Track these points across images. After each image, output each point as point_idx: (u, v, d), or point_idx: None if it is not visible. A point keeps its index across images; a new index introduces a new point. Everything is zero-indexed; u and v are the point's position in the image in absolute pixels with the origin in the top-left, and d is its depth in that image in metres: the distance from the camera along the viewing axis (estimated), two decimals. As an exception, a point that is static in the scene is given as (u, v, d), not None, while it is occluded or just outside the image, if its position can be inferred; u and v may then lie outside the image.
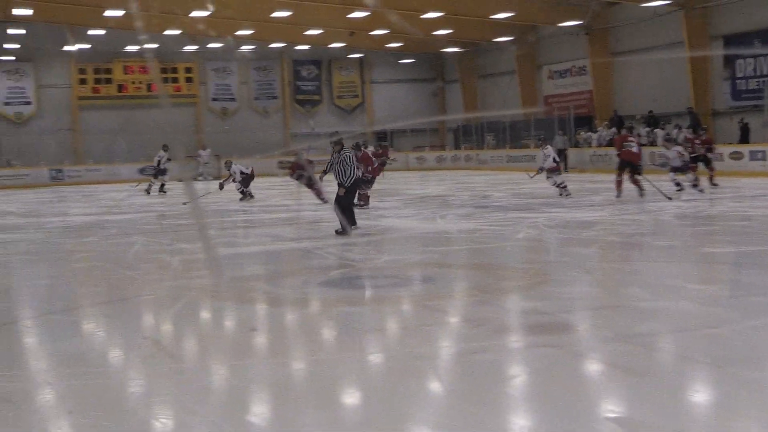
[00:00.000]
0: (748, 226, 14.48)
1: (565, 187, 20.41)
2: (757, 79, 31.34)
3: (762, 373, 5.81)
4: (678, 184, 20.03)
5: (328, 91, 50.30)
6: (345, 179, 13.84)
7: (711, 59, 33.15)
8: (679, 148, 20.72)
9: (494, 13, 36.79)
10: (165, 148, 28.17)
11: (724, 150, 29.58)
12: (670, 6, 33.01)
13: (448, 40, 43.88)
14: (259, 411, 5.39)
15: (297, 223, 15.66)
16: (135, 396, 5.79)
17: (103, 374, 6.38)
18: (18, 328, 8.26)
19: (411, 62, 50.09)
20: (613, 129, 33.06)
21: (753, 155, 28.46)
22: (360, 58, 49.96)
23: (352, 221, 14.16)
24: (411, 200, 22.45)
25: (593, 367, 6.13)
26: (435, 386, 5.75)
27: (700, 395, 5.49)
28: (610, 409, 5.13)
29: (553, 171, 20.78)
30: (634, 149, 19.52)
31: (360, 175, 13.95)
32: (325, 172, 14.01)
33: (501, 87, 45.11)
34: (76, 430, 5.03)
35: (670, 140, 22.80)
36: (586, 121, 38.74)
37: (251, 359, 6.71)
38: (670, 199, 18.26)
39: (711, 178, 22.17)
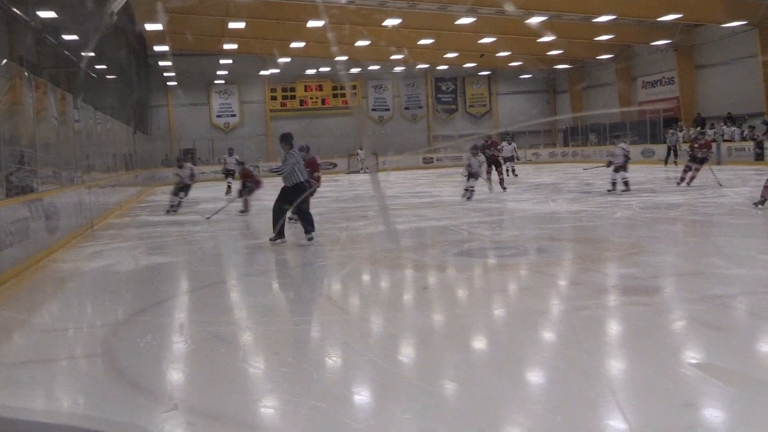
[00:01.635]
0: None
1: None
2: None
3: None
4: (614, 183, 18.30)
5: (462, 101, 50.25)
6: (291, 180, 11.24)
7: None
8: (624, 145, 18.71)
9: (597, 36, 35.92)
10: (230, 152, 25.22)
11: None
12: (746, 26, 31.49)
13: (559, 59, 43.22)
14: (407, 352, 5.44)
15: (437, 206, 15.66)
16: (313, 339, 5.93)
17: (289, 322, 6.56)
18: (225, 287, 8.58)
19: (529, 77, 49.51)
20: (699, 128, 31.72)
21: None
22: (488, 75, 49.66)
23: (309, 227, 11.36)
24: (528, 187, 22.15)
25: (678, 322, 5.93)
26: (547, 335, 5.68)
27: (766, 345, 5.26)
28: (692, 356, 4.96)
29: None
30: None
31: (304, 179, 11.29)
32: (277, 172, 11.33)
33: (603, 96, 44.12)
34: (270, 363, 5.18)
35: (617, 137, 20.76)
36: (672, 122, 37.46)
37: (402, 312, 6.77)
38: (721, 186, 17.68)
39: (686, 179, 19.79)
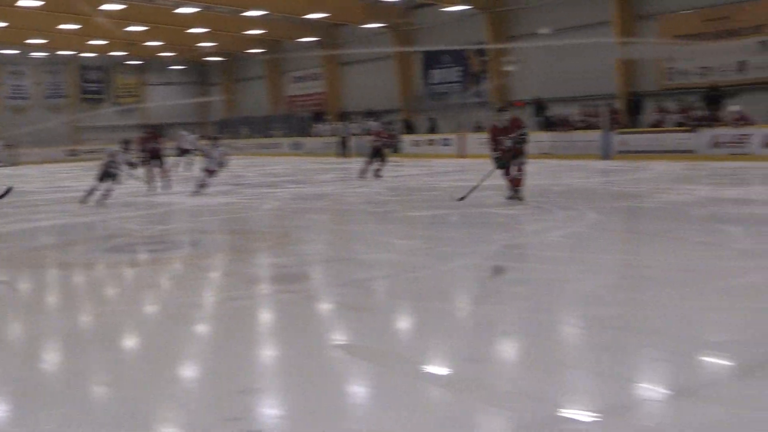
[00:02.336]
0: (438, 195, 15.14)
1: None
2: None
3: (448, 304, 6.12)
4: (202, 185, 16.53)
5: (110, 91, 48.10)
6: None
7: (415, 70, 34.51)
8: (222, 149, 17.20)
9: (248, 30, 36.48)
10: None
11: (420, 138, 31.12)
12: (383, 27, 33.95)
13: (211, 51, 43.15)
14: (49, 358, 5.06)
15: (85, 202, 14.79)
16: None
17: None
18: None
19: (181, 69, 48.82)
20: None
21: (442, 142, 30.11)
22: (139, 64, 48.07)
23: None
24: (180, 179, 21.80)
25: (324, 306, 6.22)
26: (200, 328, 5.62)
27: (405, 323, 5.70)
28: (338, 338, 5.22)
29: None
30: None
31: None
32: None
33: (254, 89, 44.96)
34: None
35: (210, 138, 19.07)
36: (320, 116, 39.36)
37: (43, 315, 6.28)
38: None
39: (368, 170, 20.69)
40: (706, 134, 22.18)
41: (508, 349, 4.97)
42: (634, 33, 26.39)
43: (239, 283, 7.14)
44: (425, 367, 4.49)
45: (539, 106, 28.19)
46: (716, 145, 21.94)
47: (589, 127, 25.82)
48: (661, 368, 4.34)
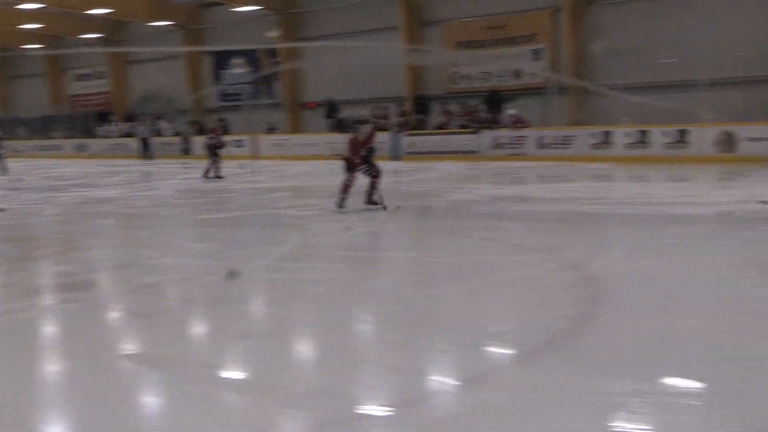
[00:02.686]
0: (231, 197, 14.95)
1: None
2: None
3: (244, 307, 6.06)
4: None
5: None
6: None
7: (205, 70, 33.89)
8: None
9: (23, 24, 34.12)
10: None
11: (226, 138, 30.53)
12: (173, 26, 33.05)
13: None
14: None
15: None
16: None
17: None
18: None
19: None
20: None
21: (235, 143, 29.70)
22: None
23: None
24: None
25: (113, 314, 5.95)
26: (-28, 345, 5.19)
27: (198, 328, 5.57)
28: (127, 347, 5.02)
29: None
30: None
31: None
32: None
33: (33, 87, 42.13)
34: None
35: None
36: (105, 116, 37.64)
37: None
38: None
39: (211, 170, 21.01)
40: (487, 136, 23.47)
41: (304, 350, 5.00)
42: (419, 38, 27.44)
43: (18, 295, 6.65)
44: (221, 372, 4.42)
45: (331, 107, 28.59)
46: (497, 146, 23.28)
47: (379, 128, 26.44)
48: (450, 360, 4.54)
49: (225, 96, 33.34)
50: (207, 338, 5.32)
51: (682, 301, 5.68)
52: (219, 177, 18.56)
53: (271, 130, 31.18)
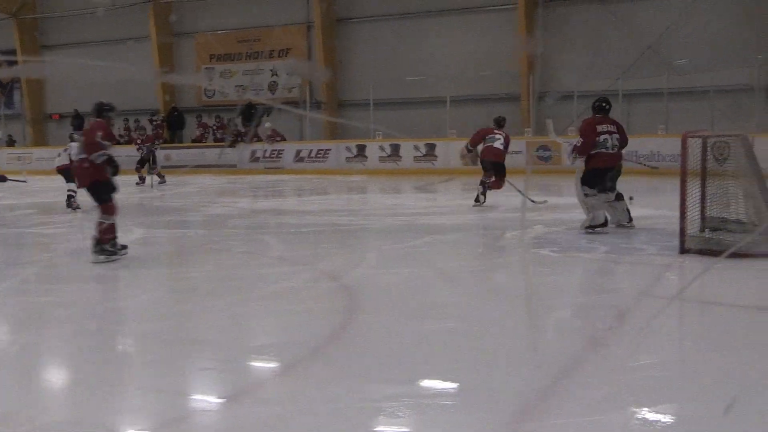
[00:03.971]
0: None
1: None
2: None
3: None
4: None
5: None
6: None
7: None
8: None
9: None
10: None
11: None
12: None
13: None
14: None
15: None
16: None
17: None
18: None
19: None
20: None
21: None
22: None
23: None
24: None
25: None
26: None
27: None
28: None
29: None
30: None
31: None
32: None
33: None
34: None
35: None
36: None
37: None
38: None
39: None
40: (245, 149, 23.39)
41: (54, 377, 4.68)
42: (171, 49, 26.80)
43: None
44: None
45: (78, 119, 27.06)
46: (255, 159, 23.26)
47: (130, 141, 25.44)
48: (212, 377, 4.46)
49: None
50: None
51: (434, 305, 6.00)
52: None
53: (11, 142, 28.96)
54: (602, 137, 8.91)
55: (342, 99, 25.06)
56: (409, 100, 23.57)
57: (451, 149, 20.96)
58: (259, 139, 23.56)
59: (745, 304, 5.84)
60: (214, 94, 26.74)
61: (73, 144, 11.87)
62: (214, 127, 25.85)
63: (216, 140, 24.85)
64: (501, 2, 22.62)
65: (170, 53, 26.89)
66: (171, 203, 15.28)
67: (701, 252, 7.28)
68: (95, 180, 7.91)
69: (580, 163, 9.14)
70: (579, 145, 9.06)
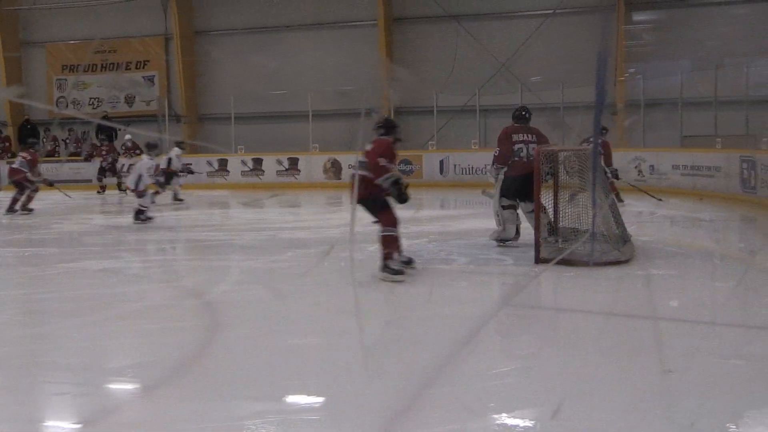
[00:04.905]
0: None
1: None
2: None
3: None
4: None
5: None
6: None
7: None
8: None
9: None
10: None
11: None
12: None
13: None
14: None
15: None
16: None
17: None
18: None
19: None
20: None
21: None
22: None
23: None
24: None
25: None
26: None
27: None
28: None
29: None
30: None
31: None
32: None
33: None
34: None
35: None
36: None
37: None
38: None
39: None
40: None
41: None
42: (20, 60, 25.58)
43: None
44: None
45: None
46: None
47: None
48: (67, 402, 4.27)
49: None
50: None
51: (296, 320, 5.99)
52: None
53: None
54: (517, 146, 8.99)
55: (203, 112, 24.63)
56: (271, 114, 23.44)
57: (314, 163, 21.00)
58: (119, 153, 22.70)
59: (597, 310, 6.14)
60: (66, 106, 25.64)
61: None
62: (66, 141, 24.81)
63: (71, 155, 23.82)
64: (361, 18, 22.90)
65: (18, 63, 25.61)
66: (18, 220, 14.45)
67: (552, 261, 7.59)
68: None
69: (502, 175, 9.14)
70: (497, 155, 9.29)
